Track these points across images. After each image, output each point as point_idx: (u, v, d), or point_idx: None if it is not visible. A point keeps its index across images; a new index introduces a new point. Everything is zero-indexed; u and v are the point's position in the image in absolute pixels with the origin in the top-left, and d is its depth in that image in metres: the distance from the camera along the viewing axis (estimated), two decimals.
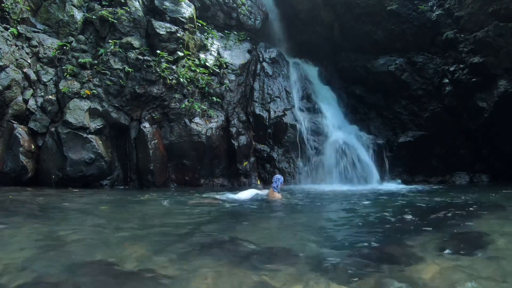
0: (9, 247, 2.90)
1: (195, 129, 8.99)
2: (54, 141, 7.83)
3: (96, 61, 8.62)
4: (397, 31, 10.63)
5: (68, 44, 8.90)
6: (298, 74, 11.43)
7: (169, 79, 8.86)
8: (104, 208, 5.26)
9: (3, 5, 8.32)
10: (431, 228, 3.72)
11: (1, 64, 7.76)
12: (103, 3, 9.38)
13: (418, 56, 10.53)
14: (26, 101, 8.15)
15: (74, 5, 9.31)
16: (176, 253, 2.77)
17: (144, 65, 8.61)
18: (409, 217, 4.42)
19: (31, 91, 8.30)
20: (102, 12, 8.91)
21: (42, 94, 8.33)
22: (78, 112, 7.94)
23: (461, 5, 9.57)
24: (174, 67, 9.05)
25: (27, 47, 8.56)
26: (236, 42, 11.16)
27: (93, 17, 8.99)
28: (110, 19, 8.85)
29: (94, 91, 8.26)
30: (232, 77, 10.43)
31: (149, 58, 8.70)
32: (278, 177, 6.25)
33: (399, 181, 10.17)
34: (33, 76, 8.38)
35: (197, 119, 9.13)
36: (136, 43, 8.81)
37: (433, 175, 10.33)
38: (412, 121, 10.68)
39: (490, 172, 10.03)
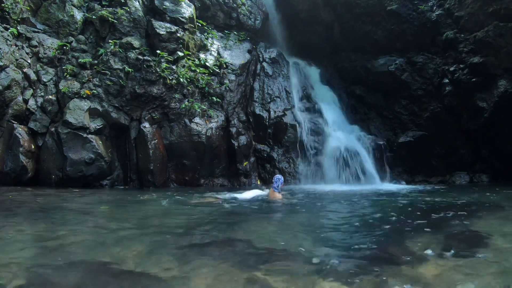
0: (9, 247, 2.89)
1: (195, 129, 8.98)
2: (54, 141, 7.82)
3: (96, 61, 8.62)
4: (397, 31, 10.63)
5: (68, 44, 8.89)
6: (298, 74, 11.43)
7: (169, 79, 8.86)
8: (104, 208, 5.26)
9: (3, 5, 8.32)
10: (431, 228, 3.72)
11: (1, 64, 7.76)
12: (103, 3, 9.38)
13: (418, 56, 10.54)
14: (26, 101, 8.15)
15: (74, 5, 9.31)
16: (175, 253, 2.77)
17: (144, 65, 8.61)
18: (409, 217, 4.42)
19: (31, 91, 8.30)
20: (102, 12, 8.91)
21: (42, 94, 8.33)
22: (78, 112, 7.94)
23: (461, 5, 9.57)
24: (174, 67, 9.05)
25: (27, 47, 8.56)
26: (236, 42, 11.16)
27: (93, 17, 8.99)
28: (110, 19, 8.85)
29: (94, 91, 8.26)
30: (232, 77, 10.43)
31: (149, 58, 8.70)
32: (279, 177, 6.25)
33: (403, 182, 10.15)
34: (33, 76, 8.38)
35: (197, 119, 9.13)
36: (136, 43, 8.81)
37: (433, 175, 10.33)
38: (412, 121, 10.68)
39: (490, 172, 10.03)
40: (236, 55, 10.84)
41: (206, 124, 9.22)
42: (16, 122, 7.85)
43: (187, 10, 9.71)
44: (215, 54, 10.46)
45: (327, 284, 2.16)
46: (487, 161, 10.01)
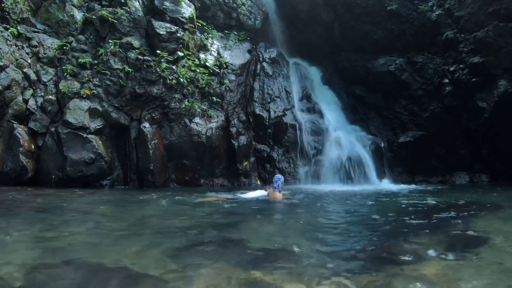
0: (9, 247, 2.89)
1: (195, 129, 8.98)
2: (54, 141, 7.82)
3: (96, 61, 8.62)
4: (397, 31, 10.63)
5: (68, 44, 8.89)
6: (298, 74, 11.43)
7: (169, 79, 8.86)
8: (104, 208, 5.26)
9: (3, 5, 8.32)
10: (432, 228, 3.72)
11: (1, 64, 7.76)
12: (103, 3, 9.38)
13: (418, 56, 10.54)
14: (26, 101, 8.15)
15: (74, 5, 9.31)
16: (175, 253, 2.77)
17: (144, 65, 8.61)
18: (410, 217, 4.42)
19: (31, 91, 8.30)
20: (102, 12, 8.91)
21: (42, 94, 8.33)
22: (78, 112, 7.93)
23: (461, 5, 9.58)
24: (174, 67, 9.05)
25: (27, 47, 8.56)
26: (236, 42, 11.16)
27: (93, 17, 8.99)
28: (110, 19, 8.85)
29: (94, 91, 8.26)
30: (232, 77, 10.43)
31: (149, 58, 8.70)
32: (279, 176, 6.25)
33: (403, 182, 10.15)
34: (33, 76, 8.38)
35: (197, 119, 9.13)
36: (136, 43, 8.81)
37: (433, 175, 10.33)
38: (412, 121, 10.68)
39: (490, 172, 10.04)
40: (236, 55, 10.84)
41: (206, 124, 9.22)
42: (16, 122, 7.85)
43: (187, 10, 9.71)
44: (215, 54, 10.46)
45: (328, 284, 2.15)
46: (487, 161, 10.01)
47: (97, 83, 8.38)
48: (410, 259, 2.64)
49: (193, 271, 2.36)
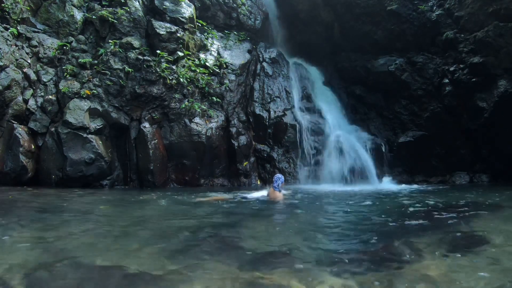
0: (9, 247, 2.89)
1: (195, 129, 8.98)
2: (54, 141, 7.82)
3: (96, 61, 8.62)
4: (397, 31, 10.63)
5: (68, 44, 8.89)
6: (298, 74, 11.42)
7: (169, 79, 8.86)
8: (104, 208, 5.26)
9: (3, 5, 8.32)
10: (433, 228, 3.72)
11: (1, 64, 7.76)
12: (103, 3, 9.38)
13: (418, 56, 10.54)
14: (26, 101, 8.15)
15: (74, 5, 9.31)
16: (175, 253, 2.77)
17: (144, 65, 8.61)
18: (410, 217, 4.42)
19: (31, 91, 8.30)
20: (102, 12, 8.91)
21: (42, 94, 8.33)
22: (78, 112, 7.93)
23: (461, 5, 9.58)
24: (174, 67, 9.04)
25: (27, 47, 8.56)
26: (236, 42, 11.16)
27: (93, 17, 8.99)
28: (110, 19, 8.85)
29: (94, 91, 8.25)
30: (232, 77, 10.42)
31: (149, 58, 8.70)
32: (279, 176, 6.24)
33: (403, 182, 10.14)
34: (33, 76, 8.38)
35: (197, 119, 9.13)
36: (136, 43, 8.81)
37: (433, 175, 10.32)
38: (412, 121, 10.68)
39: (490, 172, 10.03)
40: (236, 55, 10.84)
41: (206, 124, 9.22)
42: (16, 122, 7.85)
43: (187, 10, 9.71)
44: (215, 54, 10.46)
45: (328, 284, 2.15)
46: (487, 161, 10.01)
47: (97, 83, 8.38)
48: (410, 259, 2.64)
49: (192, 271, 2.36)
